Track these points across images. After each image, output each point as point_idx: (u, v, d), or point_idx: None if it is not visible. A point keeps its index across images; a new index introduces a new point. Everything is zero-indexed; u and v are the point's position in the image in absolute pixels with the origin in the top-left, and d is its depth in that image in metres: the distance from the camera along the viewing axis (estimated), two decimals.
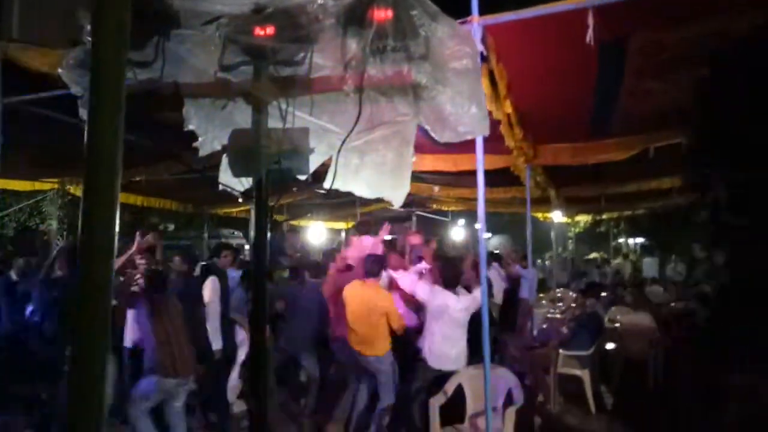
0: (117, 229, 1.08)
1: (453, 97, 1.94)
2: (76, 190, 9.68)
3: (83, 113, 2.09)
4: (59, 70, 2.05)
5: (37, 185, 9.61)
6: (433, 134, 2.09)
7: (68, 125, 5.44)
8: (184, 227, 17.51)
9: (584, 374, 6.24)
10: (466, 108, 1.94)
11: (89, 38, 1.96)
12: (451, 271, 5.03)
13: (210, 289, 5.31)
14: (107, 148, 1.07)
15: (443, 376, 4.75)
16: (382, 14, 1.84)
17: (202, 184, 9.93)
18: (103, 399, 1.03)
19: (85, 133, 1.08)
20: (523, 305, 9.56)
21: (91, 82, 1.08)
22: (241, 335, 5.74)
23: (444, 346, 4.86)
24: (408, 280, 5.17)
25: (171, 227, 18.72)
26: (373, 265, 5.22)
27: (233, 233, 17.81)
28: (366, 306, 5.08)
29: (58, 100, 4.66)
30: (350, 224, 17.49)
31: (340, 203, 13.07)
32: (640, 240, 26.61)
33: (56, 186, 9.48)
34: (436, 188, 10.29)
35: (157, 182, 8.78)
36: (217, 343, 5.28)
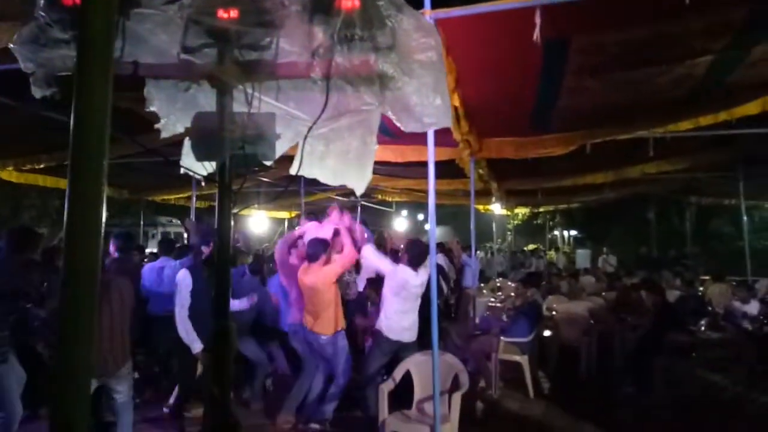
0: (104, 215, 1.06)
1: (418, 88, 1.99)
2: (1, 173, 9.12)
3: (36, 91, 2.01)
4: (11, 46, 1.95)
5: None
6: (398, 124, 2.13)
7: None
8: (119, 214, 16.84)
9: (524, 360, 6.49)
10: (430, 99, 1.99)
11: (42, 14, 1.88)
12: (417, 250, 5.16)
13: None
14: (96, 126, 1.04)
15: (399, 348, 5.09)
16: (349, 3, 1.86)
17: (139, 169, 9.59)
18: (89, 379, 1.02)
19: (72, 112, 1.04)
20: (466, 294, 9.83)
21: (79, 58, 1.05)
22: None
23: (400, 319, 5.08)
24: (374, 253, 5.38)
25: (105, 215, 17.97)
26: (315, 249, 5.36)
27: (171, 221, 17.29)
28: (314, 287, 5.21)
29: None
30: (293, 214, 17.34)
31: (284, 193, 12.93)
32: (574, 232, 27.76)
33: None
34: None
35: None
36: None
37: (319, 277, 5.21)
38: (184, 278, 5.18)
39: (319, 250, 5.38)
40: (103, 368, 4.00)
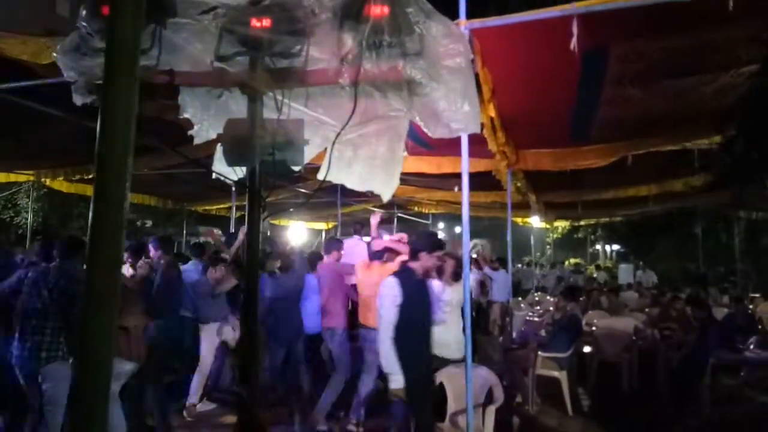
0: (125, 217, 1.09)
1: (446, 94, 1.98)
2: (52, 183, 9.52)
3: (77, 98, 2.10)
4: (54, 55, 2.04)
5: (12, 177, 9.43)
6: (426, 130, 2.13)
7: (45, 116, 5.39)
8: (163, 223, 17.30)
9: (562, 376, 6.33)
10: (458, 105, 1.98)
11: (84, 23, 1.96)
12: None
13: None
14: (120, 137, 1.07)
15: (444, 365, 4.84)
16: (378, 10, 1.88)
17: (182, 180, 9.87)
18: (110, 372, 1.05)
19: (98, 119, 1.08)
20: (501, 307, 9.68)
21: (106, 64, 1.09)
22: None
23: (441, 333, 4.97)
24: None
25: (149, 223, 18.50)
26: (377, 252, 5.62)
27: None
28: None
29: (36, 90, 4.60)
30: (330, 225, 17.48)
31: (321, 203, 13.07)
32: (616, 247, 27.06)
33: (31, 178, 9.29)
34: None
35: (135, 177, 8.63)
36: None
37: (383, 274, 5.27)
38: (391, 288, 4.20)
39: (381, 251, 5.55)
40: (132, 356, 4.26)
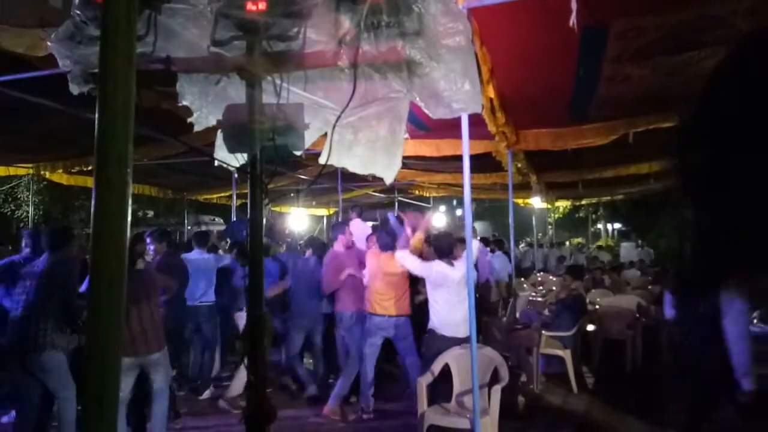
0: (129, 207, 1.08)
1: (446, 73, 1.96)
2: (52, 176, 9.52)
3: (73, 88, 2.08)
4: (48, 44, 2.02)
5: (12, 170, 9.41)
6: (426, 111, 2.11)
7: (43, 108, 5.36)
8: (164, 214, 17.32)
9: (566, 354, 6.37)
10: (459, 84, 1.96)
11: (78, 11, 1.94)
12: (444, 243, 5.15)
13: None
14: (119, 122, 1.06)
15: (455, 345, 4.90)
16: None
17: (182, 169, 9.85)
18: (119, 359, 1.05)
19: (96, 105, 1.07)
20: (499, 288, 9.70)
21: (102, 51, 1.07)
22: None
23: (450, 311, 5.00)
24: (408, 257, 5.28)
25: (150, 214, 18.52)
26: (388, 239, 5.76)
27: (213, 219, 17.68)
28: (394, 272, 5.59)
29: (32, 83, 4.57)
30: (332, 210, 17.47)
31: (321, 189, 13.06)
32: (618, 225, 27.07)
33: (31, 171, 9.28)
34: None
35: (135, 168, 8.60)
36: None
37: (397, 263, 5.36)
38: None
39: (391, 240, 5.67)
40: (133, 349, 4.25)
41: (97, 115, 1.06)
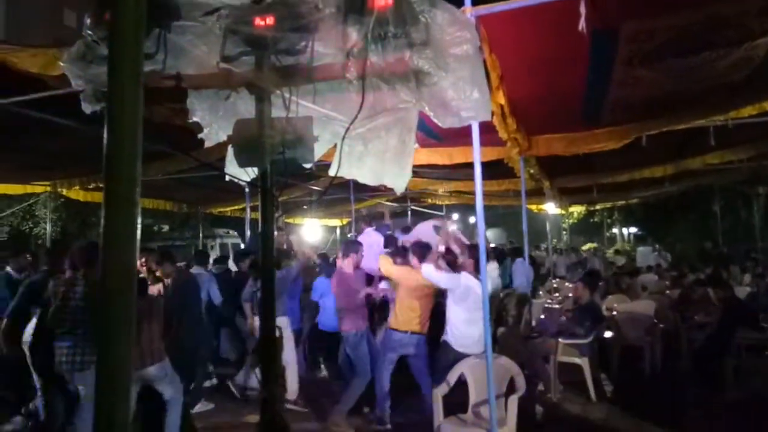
0: (139, 219, 1.09)
1: (455, 82, 1.96)
2: (69, 192, 9.65)
3: (86, 107, 2.10)
4: (61, 64, 2.05)
5: (29, 188, 9.55)
6: (435, 120, 2.11)
7: (58, 127, 5.45)
8: (179, 228, 17.44)
9: (584, 362, 6.29)
10: (468, 93, 1.96)
11: (89, 31, 1.97)
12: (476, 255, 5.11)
13: None
14: (127, 139, 1.07)
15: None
16: (382, 2, 1.86)
17: (195, 183, 9.93)
18: (130, 373, 1.05)
19: (105, 123, 1.08)
20: (518, 297, 9.62)
21: (110, 70, 1.09)
22: None
23: (467, 328, 4.94)
24: (433, 271, 5.19)
25: (165, 228, 18.66)
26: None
27: (228, 233, 17.77)
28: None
29: (48, 102, 4.65)
30: (345, 221, 17.49)
31: (334, 200, 13.08)
32: (633, 230, 26.79)
33: (48, 189, 9.42)
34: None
35: (149, 182, 8.75)
36: None
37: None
38: None
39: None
40: None
41: (105, 137, 1.07)
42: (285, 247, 6.79)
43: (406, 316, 5.44)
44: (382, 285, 6.32)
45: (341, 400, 5.57)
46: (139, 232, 1.09)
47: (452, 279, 5.06)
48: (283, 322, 6.00)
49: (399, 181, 2.40)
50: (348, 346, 5.83)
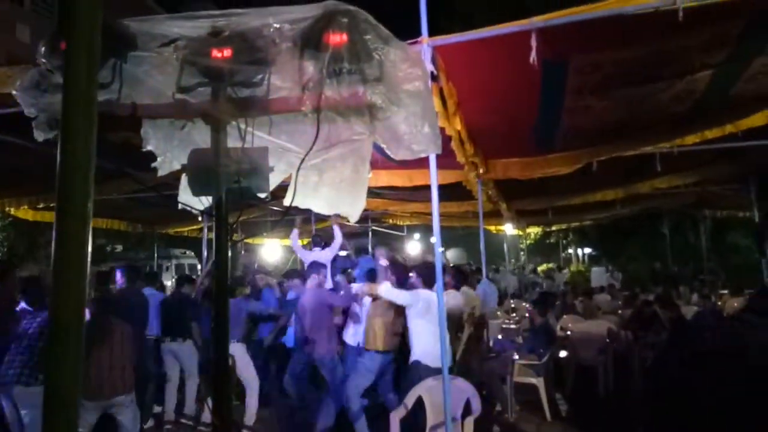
0: (88, 261, 1.10)
1: (407, 117, 2.03)
2: (17, 212, 9.32)
3: (38, 135, 2.09)
4: (13, 92, 2.03)
5: None
6: (388, 152, 2.17)
7: (6, 144, 5.31)
8: (134, 248, 17.02)
9: (539, 382, 6.41)
10: (419, 127, 2.03)
11: (44, 60, 1.96)
12: (430, 272, 5.15)
13: None
14: (80, 167, 1.09)
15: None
16: (337, 38, 1.92)
17: (151, 203, 9.75)
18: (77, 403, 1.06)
19: (58, 153, 1.10)
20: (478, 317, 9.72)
21: (64, 102, 1.10)
22: None
23: (435, 343, 4.93)
24: (390, 289, 5.27)
25: (119, 248, 18.19)
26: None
27: (184, 253, 17.44)
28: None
29: None
30: (305, 241, 17.38)
31: (294, 220, 13.01)
32: (588, 250, 27.49)
33: None
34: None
35: (104, 202, 8.56)
36: None
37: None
38: None
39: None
40: (98, 394, 4.30)
41: (58, 166, 1.09)
42: (242, 272, 6.81)
43: (382, 335, 5.50)
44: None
45: (317, 424, 5.52)
46: (87, 270, 1.10)
47: (411, 295, 5.14)
48: (237, 349, 5.95)
49: (353, 209, 2.45)
50: (325, 370, 5.78)
